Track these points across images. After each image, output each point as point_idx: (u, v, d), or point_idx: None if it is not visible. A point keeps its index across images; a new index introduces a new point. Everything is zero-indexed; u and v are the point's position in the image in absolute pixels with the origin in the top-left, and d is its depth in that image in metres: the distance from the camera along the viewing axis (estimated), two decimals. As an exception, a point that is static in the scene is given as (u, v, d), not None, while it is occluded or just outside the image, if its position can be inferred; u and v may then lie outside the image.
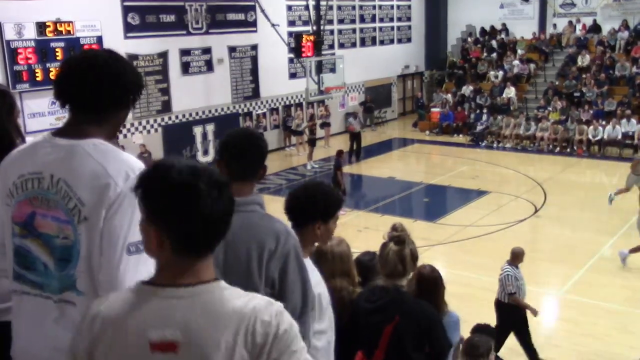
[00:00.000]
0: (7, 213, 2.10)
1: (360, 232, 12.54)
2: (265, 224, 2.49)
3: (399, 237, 3.40)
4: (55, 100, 2.08)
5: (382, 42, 26.25)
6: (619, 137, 19.37)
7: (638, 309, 9.12)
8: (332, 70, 20.73)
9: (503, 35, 26.83)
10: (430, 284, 3.99)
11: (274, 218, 2.56)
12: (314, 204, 2.83)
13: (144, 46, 16.99)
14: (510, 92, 23.41)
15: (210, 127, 18.77)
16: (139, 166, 2.01)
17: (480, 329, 5.51)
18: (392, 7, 26.66)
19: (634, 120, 19.60)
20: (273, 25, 18.88)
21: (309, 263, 2.78)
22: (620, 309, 9.17)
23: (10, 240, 2.09)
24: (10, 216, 2.08)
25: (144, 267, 1.98)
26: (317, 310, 2.79)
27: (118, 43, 16.20)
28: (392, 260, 3.36)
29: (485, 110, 22.87)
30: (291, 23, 21.49)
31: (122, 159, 2.01)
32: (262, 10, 18.97)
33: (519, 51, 25.54)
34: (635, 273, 10.54)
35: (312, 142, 18.95)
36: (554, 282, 10.43)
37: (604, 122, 19.89)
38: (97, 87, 2.01)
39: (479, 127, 22.14)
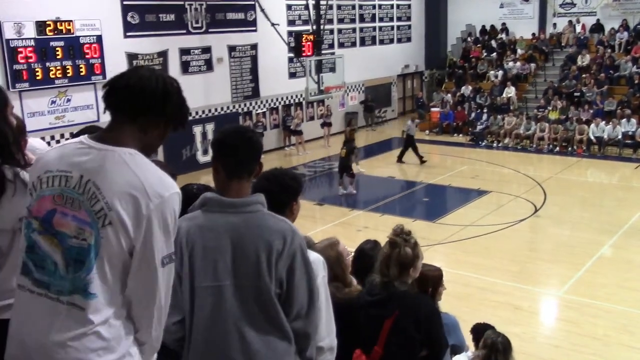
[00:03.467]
0: (25, 205, 2.11)
1: (359, 231, 12.54)
2: (271, 224, 2.49)
3: (391, 241, 3.40)
4: (105, 107, 2.12)
5: (382, 42, 26.25)
6: (619, 136, 19.36)
7: (637, 309, 9.11)
8: (332, 69, 20.68)
9: (503, 35, 26.82)
10: (431, 283, 3.99)
11: (278, 217, 2.55)
12: (287, 189, 2.86)
13: (144, 45, 16.98)
14: (510, 91, 23.41)
15: (210, 127, 18.76)
16: (173, 185, 2.08)
17: (479, 329, 5.49)
18: (392, 6, 26.66)
19: (634, 120, 19.59)
20: (273, 24, 18.87)
21: None
22: (619, 309, 9.15)
23: (24, 233, 2.09)
24: (29, 210, 2.08)
25: (170, 277, 2.12)
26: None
27: (118, 42, 16.23)
28: (383, 263, 3.38)
29: (485, 110, 22.87)
30: (291, 22, 21.48)
31: (158, 176, 2.05)
32: (262, 10, 18.96)
33: (519, 51, 25.55)
34: (633, 273, 10.53)
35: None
36: (554, 282, 10.42)
37: (603, 122, 19.89)
38: (143, 94, 2.06)
39: (479, 127, 22.13)
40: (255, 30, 20.01)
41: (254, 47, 20.15)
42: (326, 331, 2.84)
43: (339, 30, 24.04)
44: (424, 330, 3.33)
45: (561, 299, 9.81)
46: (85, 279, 1.98)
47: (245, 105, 20.25)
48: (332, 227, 13.04)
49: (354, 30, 24.78)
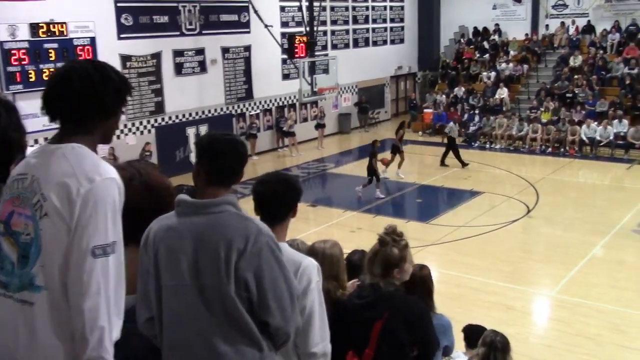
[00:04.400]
0: None
1: (353, 232, 12.58)
2: (234, 223, 2.42)
3: (381, 239, 3.40)
4: (44, 115, 2.13)
5: (375, 43, 26.32)
6: (611, 137, 19.48)
7: (629, 308, 9.19)
8: (325, 71, 20.75)
9: (495, 36, 26.93)
10: (419, 283, 4.00)
11: (246, 217, 2.48)
12: (290, 199, 2.87)
13: (137, 47, 16.99)
14: (503, 92, 23.51)
15: (203, 128, 18.76)
16: (109, 172, 2.03)
17: (470, 330, 5.54)
18: (385, 8, 26.74)
19: (625, 121, 19.72)
20: (266, 26, 18.90)
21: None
22: (611, 309, 9.23)
23: None
24: None
25: (115, 271, 2.01)
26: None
27: (111, 44, 16.22)
28: (369, 260, 3.39)
29: (477, 111, 22.97)
30: (284, 24, 21.52)
31: (93, 163, 2.03)
32: (256, 11, 19.00)
33: (512, 52, 25.66)
34: (625, 273, 10.61)
35: (397, 150, 17.28)
36: (546, 283, 10.49)
37: (595, 123, 20.01)
38: (76, 100, 2.06)
39: (472, 128, 22.22)
40: (248, 32, 20.04)
41: (248, 48, 20.18)
42: (320, 337, 2.82)
43: (332, 32, 24.10)
44: (414, 330, 3.32)
45: (554, 299, 9.87)
46: (30, 273, 2.00)
47: (238, 106, 20.26)
48: (325, 228, 13.08)
49: (347, 31, 24.83)
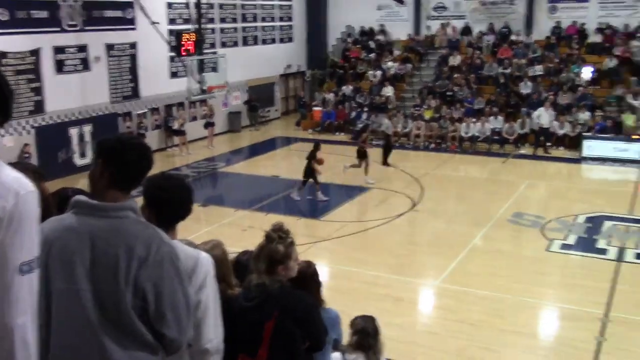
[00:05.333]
0: None
1: (245, 231, 12.59)
2: (136, 230, 2.39)
3: (267, 235, 3.47)
4: None
5: (264, 42, 26.37)
6: (488, 133, 20.67)
7: (507, 294, 9.82)
8: (214, 69, 20.57)
9: (381, 37, 27.75)
10: (305, 279, 4.10)
11: (147, 224, 2.48)
12: (189, 202, 2.88)
13: (14, 43, 16.09)
14: (388, 91, 24.28)
15: (87, 129, 18.08)
16: (29, 184, 1.96)
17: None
18: (273, 7, 26.84)
19: (500, 118, 21.00)
20: (153, 23, 18.46)
21: None
22: (491, 295, 9.82)
23: None
24: None
25: (38, 284, 1.96)
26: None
27: (-16, 40, 15.26)
28: (255, 256, 3.44)
29: (365, 109, 23.61)
30: (172, 21, 21.10)
31: (13, 176, 1.95)
32: (141, 8, 18.51)
33: (396, 52, 26.54)
34: (503, 261, 11.32)
35: (362, 155, 16.62)
36: (431, 273, 10.98)
37: (474, 120, 21.15)
38: None
39: (359, 125, 22.81)
40: (134, 29, 19.48)
41: (133, 45, 19.62)
42: (214, 333, 2.82)
43: (221, 30, 23.90)
44: (304, 325, 3.39)
45: (438, 288, 10.36)
46: None
47: (124, 105, 19.66)
48: (217, 228, 13.00)
49: (235, 29, 24.71)
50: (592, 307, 9.28)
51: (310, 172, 14.85)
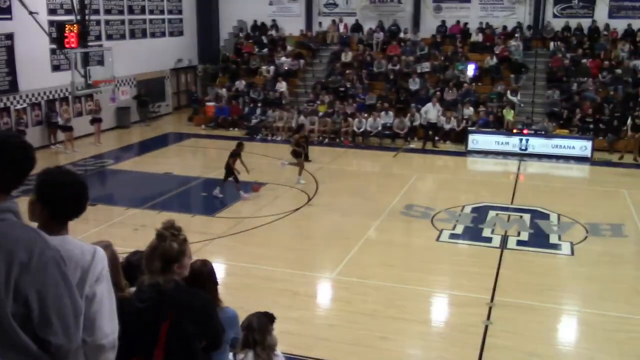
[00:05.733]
0: None
1: (137, 230, 12.19)
2: (17, 234, 2.26)
3: (159, 234, 3.38)
4: None
5: (153, 35, 25.63)
6: (380, 128, 21.18)
7: (400, 284, 10.09)
8: (101, 62, 19.78)
9: (273, 32, 27.72)
10: (201, 278, 4.02)
11: (30, 227, 2.35)
12: (83, 202, 2.75)
13: None
14: (282, 86, 24.31)
15: (-40, 124, 16.85)
16: None
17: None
18: (162, -1, 26.13)
19: (391, 113, 21.57)
20: (31, 12, 17.45)
21: None
22: (385, 285, 10.06)
23: None
24: None
25: None
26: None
27: None
28: (147, 256, 3.34)
29: (259, 104, 23.50)
30: (52, 11, 20.03)
31: None
32: (18, -4, 17.45)
33: (289, 47, 26.61)
34: (395, 252, 11.63)
35: (298, 154, 16.39)
36: (327, 266, 11.07)
37: (366, 115, 21.60)
38: None
39: (254, 121, 22.70)
40: (10, 19, 18.33)
41: (10, 36, 18.46)
42: (110, 328, 2.70)
43: (107, 22, 22.98)
44: (200, 323, 3.35)
45: (334, 280, 10.48)
46: None
47: (1, 100, 18.47)
48: (107, 228, 12.50)
49: (122, 22, 23.84)
50: (480, 293, 9.73)
51: (230, 170, 14.70)
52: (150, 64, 24.93)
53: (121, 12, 23.75)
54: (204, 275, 4.12)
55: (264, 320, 4.61)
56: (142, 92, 24.30)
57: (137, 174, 17.06)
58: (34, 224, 2.52)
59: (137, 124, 24.02)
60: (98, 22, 22.24)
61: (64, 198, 2.66)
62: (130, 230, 12.30)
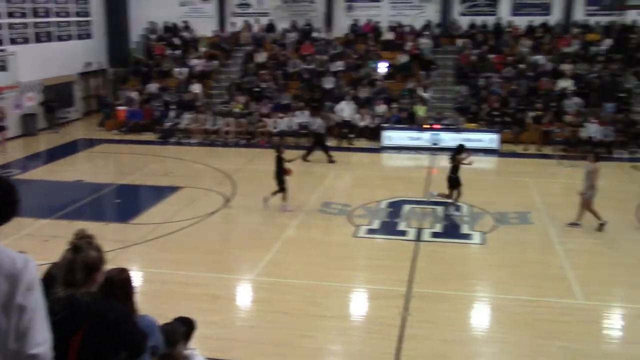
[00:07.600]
0: None
1: (47, 241, 11.72)
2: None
3: (74, 245, 3.31)
4: None
5: (60, 38, 24.74)
6: (295, 127, 21.28)
7: (319, 281, 10.21)
8: (3, 68, 18.92)
9: (185, 33, 27.32)
10: (118, 287, 3.95)
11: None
12: (14, 206, 2.76)
13: None
14: (196, 88, 24.00)
15: None
16: None
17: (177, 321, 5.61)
18: (67, 1, 25.21)
19: (306, 112, 21.70)
20: None
21: None
22: (306, 284, 10.15)
23: None
24: None
25: None
26: None
27: None
28: (63, 268, 3.28)
29: (173, 107, 23.11)
30: (-53, 15, 19.00)
31: None
32: None
33: (202, 48, 26.31)
34: (314, 250, 11.75)
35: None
36: (247, 268, 11.04)
37: (281, 115, 21.65)
38: None
39: (168, 124, 22.30)
40: None
41: None
42: (42, 337, 2.65)
43: (10, 25, 21.99)
44: (117, 335, 3.29)
45: (254, 281, 10.48)
46: None
47: None
48: (14, 240, 11.92)
49: (26, 25, 22.87)
50: (396, 285, 9.98)
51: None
52: (57, 69, 24.03)
53: (24, 15, 22.78)
54: (120, 283, 4.05)
55: (174, 330, 4.57)
56: (49, 97, 23.39)
57: (45, 183, 16.43)
58: None
59: (45, 131, 23.12)
60: (0, 26, 21.25)
61: None
62: (40, 242, 11.83)
